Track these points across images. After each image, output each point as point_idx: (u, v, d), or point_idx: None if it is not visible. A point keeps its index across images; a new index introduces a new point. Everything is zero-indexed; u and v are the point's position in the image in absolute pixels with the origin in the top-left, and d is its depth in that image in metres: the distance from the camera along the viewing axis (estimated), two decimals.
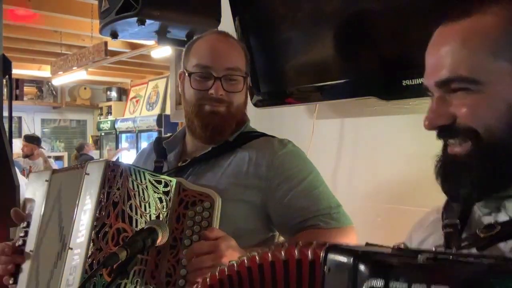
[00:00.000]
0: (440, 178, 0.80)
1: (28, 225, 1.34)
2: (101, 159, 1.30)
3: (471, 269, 0.58)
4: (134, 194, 1.19)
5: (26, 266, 1.30)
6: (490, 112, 0.75)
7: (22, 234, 1.33)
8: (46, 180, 1.36)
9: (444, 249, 0.77)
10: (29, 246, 1.31)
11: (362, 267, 0.59)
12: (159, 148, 1.46)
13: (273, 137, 1.40)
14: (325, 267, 0.63)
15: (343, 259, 0.62)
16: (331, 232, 1.25)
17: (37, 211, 1.33)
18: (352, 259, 0.60)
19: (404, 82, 1.44)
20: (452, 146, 0.79)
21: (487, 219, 0.78)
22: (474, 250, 0.74)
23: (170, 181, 1.21)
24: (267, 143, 1.34)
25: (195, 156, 1.36)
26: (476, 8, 0.78)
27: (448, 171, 0.79)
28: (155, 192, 1.19)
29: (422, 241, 0.91)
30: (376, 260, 0.60)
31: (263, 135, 1.41)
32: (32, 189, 1.38)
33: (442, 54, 0.79)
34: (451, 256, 0.61)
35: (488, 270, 0.57)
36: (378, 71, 1.60)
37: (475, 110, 0.76)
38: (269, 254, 0.71)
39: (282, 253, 0.70)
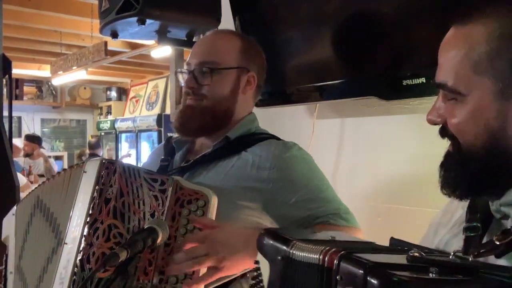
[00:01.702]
0: (439, 169, 0.83)
1: (6, 257, 1.37)
2: (97, 158, 1.31)
3: (480, 285, 0.59)
4: (128, 192, 1.19)
5: (9, 284, 1.33)
6: (472, 130, 0.77)
7: (1, 267, 1.37)
8: (13, 214, 1.40)
9: (463, 254, 0.76)
10: (9, 269, 1.35)
11: (371, 281, 0.60)
12: (169, 147, 1.47)
13: (279, 139, 1.38)
14: (338, 275, 0.64)
15: (354, 270, 0.62)
16: (340, 230, 1.23)
17: (12, 238, 1.37)
18: (362, 271, 0.61)
19: (404, 82, 1.44)
20: (450, 144, 0.83)
21: (506, 223, 0.78)
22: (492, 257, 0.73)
23: (167, 179, 1.22)
24: (271, 146, 1.33)
25: (197, 157, 1.36)
26: (473, 17, 0.78)
27: (442, 165, 0.83)
28: (150, 190, 1.19)
29: (447, 243, 0.90)
30: (386, 274, 0.60)
31: (271, 137, 1.39)
32: (5, 229, 1.42)
33: (443, 57, 0.81)
34: (465, 268, 0.61)
35: (499, 286, 0.58)
36: (378, 71, 1.60)
37: (460, 124, 0.78)
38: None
39: (306, 254, 0.71)
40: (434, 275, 0.60)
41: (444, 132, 0.82)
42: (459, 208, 0.92)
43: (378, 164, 1.79)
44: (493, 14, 0.77)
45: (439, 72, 0.82)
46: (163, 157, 1.45)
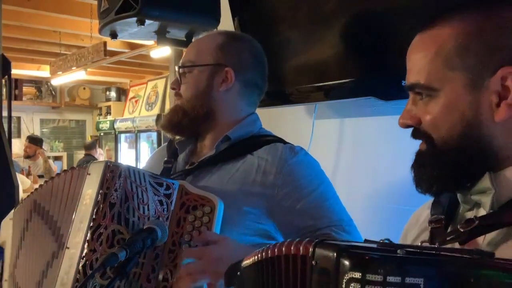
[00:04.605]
0: (411, 170, 0.87)
1: (2, 264, 1.34)
2: (102, 160, 1.28)
3: (447, 262, 0.63)
4: (133, 196, 1.16)
5: None
6: (447, 122, 0.81)
7: None
8: (10, 219, 1.37)
9: (429, 244, 0.82)
10: (4, 276, 1.32)
11: (343, 261, 0.64)
12: (171, 148, 1.46)
13: (286, 143, 1.36)
14: (313, 261, 0.69)
15: (328, 253, 0.67)
16: None
17: (8, 244, 1.34)
18: (335, 253, 0.65)
19: (404, 82, 1.43)
20: (421, 143, 0.87)
21: (470, 215, 0.83)
22: (457, 245, 0.78)
23: (173, 183, 1.20)
24: (278, 150, 1.30)
25: (202, 159, 1.35)
26: (441, 20, 0.84)
27: (414, 164, 0.87)
28: (155, 194, 1.17)
29: (415, 239, 0.94)
30: (357, 254, 0.64)
31: (277, 140, 1.36)
32: (3, 233, 1.39)
33: (412, 61, 0.87)
34: (432, 251, 0.66)
35: (463, 263, 0.62)
36: (378, 71, 1.60)
37: (435, 118, 0.82)
38: (276, 249, 0.77)
39: (283, 248, 0.75)
40: (402, 254, 0.64)
41: (417, 132, 0.86)
42: (425, 209, 0.96)
43: (378, 164, 1.79)
44: (457, 16, 0.82)
45: (410, 75, 0.87)
46: (166, 158, 1.43)
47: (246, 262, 0.83)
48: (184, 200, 1.18)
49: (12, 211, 1.39)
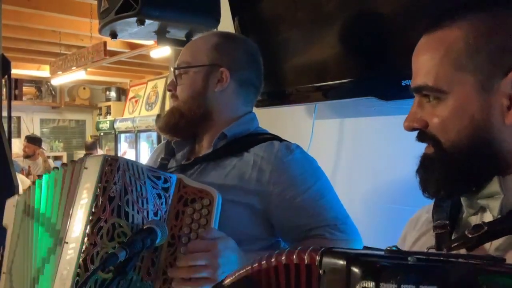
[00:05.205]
0: (417, 174, 0.85)
1: (3, 250, 1.34)
2: (99, 154, 1.28)
3: (459, 269, 0.61)
4: (131, 189, 1.16)
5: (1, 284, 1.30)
6: (456, 126, 0.79)
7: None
8: (14, 206, 1.37)
9: (436, 250, 0.80)
10: (3, 269, 1.31)
11: (354, 270, 0.62)
12: (169, 148, 1.46)
13: (282, 140, 1.35)
14: (321, 270, 0.66)
15: (337, 262, 0.64)
16: (335, 243, 1.21)
17: (9, 232, 1.34)
18: (345, 262, 0.63)
19: (404, 82, 1.44)
20: (427, 146, 0.85)
21: (474, 219, 0.82)
22: (463, 251, 0.76)
23: (170, 177, 1.20)
24: (273, 148, 1.30)
25: (198, 156, 1.35)
26: (448, 21, 0.82)
27: (420, 168, 0.85)
28: (153, 188, 1.18)
29: (415, 242, 0.93)
30: (368, 262, 0.62)
31: (273, 138, 1.37)
32: (6, 215, 1.39)
33: (419, 63, 0.85)
34: (441, 257, 0.64)
35: (476, 270, 0.60)
36: (378, 71, 1.60)
37: (444, 121, 0.80)
38: (273, 259, 0.73)
39: (283, 257, 0.72)
40: (413, 262, 0.62)
41: (423, 136, 0.84)
42: (424, 212, 0.95)
43: (377, 164, 1.79)
44: (464, 18, 0.81)
45: (416, 77, 0.84)
46: (163, 156, 1.44)
47: (229, 280, 0.78)
48: (182, 193, 1.18)
49: (16, 197, 1.38)
